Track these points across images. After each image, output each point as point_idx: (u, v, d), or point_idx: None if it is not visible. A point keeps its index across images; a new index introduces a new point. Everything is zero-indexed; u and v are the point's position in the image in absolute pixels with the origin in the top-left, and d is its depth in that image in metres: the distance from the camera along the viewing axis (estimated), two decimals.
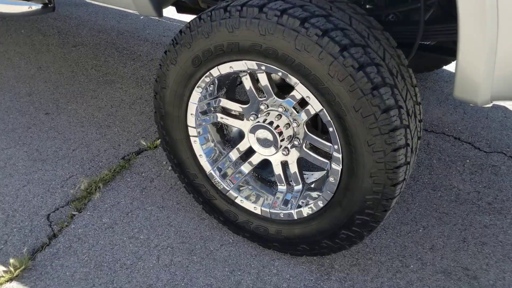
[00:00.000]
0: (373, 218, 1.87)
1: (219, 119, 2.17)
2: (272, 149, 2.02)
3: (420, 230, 2.41)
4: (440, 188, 2.67)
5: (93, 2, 2.47)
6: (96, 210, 2.46)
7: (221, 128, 2.28)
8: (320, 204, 1.98)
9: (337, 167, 1.86)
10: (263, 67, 1.85)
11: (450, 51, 2.31)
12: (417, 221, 2.46)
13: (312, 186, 2.16)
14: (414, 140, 1.82)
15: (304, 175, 2.20)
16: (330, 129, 1.81)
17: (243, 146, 2.18)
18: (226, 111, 2.18)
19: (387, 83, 1.69)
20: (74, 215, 2.42)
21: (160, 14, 2.28)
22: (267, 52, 1.77)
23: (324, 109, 1.77)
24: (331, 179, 1.90)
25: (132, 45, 4.19)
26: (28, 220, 2.39)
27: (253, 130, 2.02)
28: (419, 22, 1.95)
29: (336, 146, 1.83)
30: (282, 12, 1.71)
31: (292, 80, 1.80)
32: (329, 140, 1.91)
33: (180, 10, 2.81)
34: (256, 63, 1.85)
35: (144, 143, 2.92)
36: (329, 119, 1.78)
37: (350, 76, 1.65)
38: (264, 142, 2.04)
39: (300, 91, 1.81)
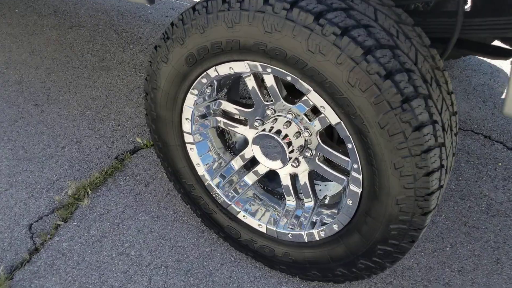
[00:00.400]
0: (398, 249, 1.59)
1: (219, 124, 1.89)
2: (279, 163, 1.74)
3: (447, 248, 2.13)
4: (469, 196, 2.37)
5: None
6: (83, 219, 2.20)
7: (222, 133, 2.00)
8: (335, 227, 1.70)
9: (356, 189, 1.57)
10: (268, 70, 1.55)
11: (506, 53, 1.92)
12: (443, 236, 2.18)
13: (326, 202, 1.88)
14: (449, 159, 1.52)
15: (316, 186, 1.92)
16: (349, 146, 1.51)
17: (247, 153, 1.90)
18: (227, 115, 1.89)
19: (420, 94, 1.38)
20: (59, 225, 2.18)
21: (151, 0, 1.97)
22: (274, 53, 1.47)
23: (342, 122, 1.48)
24: (348, 201, 1.62)
25: (133, 26, 3.88)
26: (8, 231, 2.15)
27: (258, 140, 1.74)
28: (456, 13, 1.63)
29: (355, 165, 1.53)
30: (292, 5, 1.40)
31: (304, 86, 1.50)
32: (346, 154, 1.62)
33: None
34: (261, 65, 1.55)
35: (140, 141, 2.64)
36: (348, 134, 1.48)
37: (375, 86, 1.35)
38: (270, 154, 1.75)
39: (313, 99, 1.51)
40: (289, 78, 1.52)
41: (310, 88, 1.48)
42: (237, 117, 1.87)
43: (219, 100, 1.85)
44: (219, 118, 1.88)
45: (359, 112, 1.40)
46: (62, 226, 2.17)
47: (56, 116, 2.85)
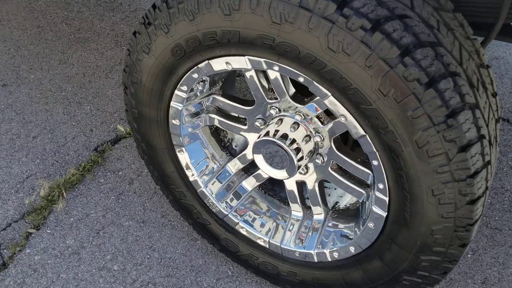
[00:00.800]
0: (427, 281, 1.34)
1: (213, 123, 1.60)
2: (285, 173, 1.47)
3: (469, 256, 1.90)
4: (490, 192, 2.13)
5: None
6: (58, 226, 1.93)
7: (216, 131, 1.71)
8: (352, 250, 1.45)
9: (380, 212, 1.31)
10: (275, 68, 1.25)
11: None
12: None
13: (340, 212, 1.62)
14: (492, 178, 1.25)
15: (326, 189, 1.66)
16: (374, 162, 1.24)
17: (246, 155, 1.62)
18: (223, 112, 1.60)
19: (467, 104, 1.10)
20: (31, 234, 1.90)
21: None
22: (283, 49, 1.17)
23: (367, 136, 1.20)
24: (370, 224, 1.36)
25: None
26: None
27: (260, 146, 1.45)
28: None
29: (380, 185, 1.27)
30: None
31: (320, 90, 1.20)
32: (366, 165, 1.35)
33: None
34: (265, 62, 1.25)
35: (122, 129, 2.34)
36: (375, 150, 1.21)
37: (413, 96, 1.06)
38: (274, 162, 1.47)
39: (332, 106, 1.22)
40: (301, 79, 1.22)
41: (329, 93, 1.19)
42: (235, 114, 1.58)
43: (213, 96, 1.56)
44: (213, 116, 1.59)
45: (391, 127, 1.12)
46: (34, 235, 1.90)
47: (26, 99, 2.52)
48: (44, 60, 2.79)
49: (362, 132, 1.20)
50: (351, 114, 1.18)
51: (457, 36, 1.18)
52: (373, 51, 1.06)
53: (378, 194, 1.29)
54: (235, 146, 1.79)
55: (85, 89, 2.60)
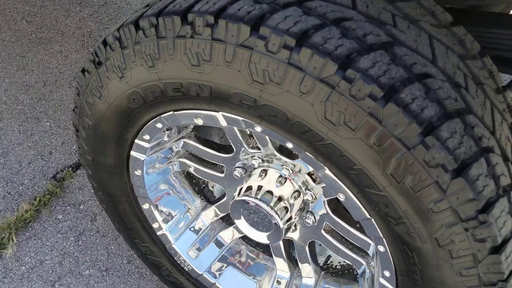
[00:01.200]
0: None
1: (187, 169, 1.34)
2: (271, 237, 1.22)
3: None
4: None
5: None
6: (7, 277, 1.67)
7: (189, 174, 1.45)
8: None
9: None
10: (257, 129, 0.99)
11: None
12: None
13: (334, 271, 1.39)
14: None
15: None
16: (380, 248, 0.99)
17: (224, 205, 1.37)
18: (195, 156, 1.34)
19: (502, 188, 0.86)
20: None
21: None
22: (267, 112, 0.91)
23: (373, 220, 0.95)
24: None
25: None
26: None
27: (238, 205, 1.20)
28: None
29: (386, 273, 1.03)
30: (299, 40, 0.82)
31: (314, 162, 0.95)
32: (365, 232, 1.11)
33: None
34: (244, 122, 0.99)
35: None
36: (381, 236, 0.96)
37: (437, 185, 0.81)
38: (256, 224, 1.23)
39: (328, 181, 0.96)
40: (289, 145, 0.97)
41: (325, 167, 0.93)
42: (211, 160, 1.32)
43: (184, 140, 1.29)
44: (184, 161, 1.33)
45: (406, 219, 0.87)
46: None
47: None
48: (0, 65, 2.48)
49: (366, 215, 0.95)
50: (353, 194, 0.93)
51: (487, 93, 0.93)
52: (385, 127, 0.80)
53: (383, 281, 1.05)
54: (212, 187, 1.54)
55: (45, 101, 2.31)
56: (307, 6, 0.88)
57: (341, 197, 0.97)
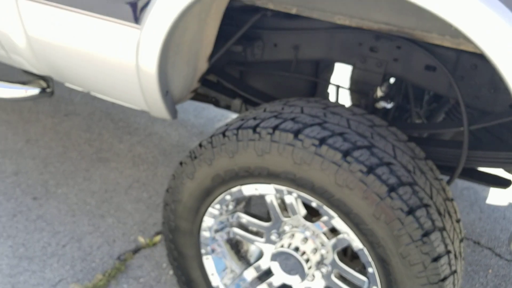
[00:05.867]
0: None
1: (236, 236, 1.96)
2: (298, 278, 1.81)
3: None
4: None
5: (101, 97, 2.27)
6: None
7: (235, 244, 2.07)
8: None
9: None
10: (294, 194, 1.67)
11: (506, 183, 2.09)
12: None
13: None
14: (458, 284, 1.63)
15: None
16: (370, 270, 1.61)
17: (262, 264, 1.96)
18: (243, 226, 1.97)
19: (437, 227, 1.51)
20: None
21: (174, 116, 2.09)
22: (301, 182, 1.59)
23: (365, 249, 1.58)
24: None
25: (129, 115, 3.99)
26: None
27: (276, 256, 1.81)
28: (460, 144, 1.80)
29: None
30: (321, 142, 1.54)
31: (328, 213, 1.61)
32: (362, 273, 1.71)
33: (193, 97, 2.63)
34: (287, 190, 1.67)
35: (142, 240, 2.67)
36: (370, 260, 1.58)
37: (398, 220, 1.47)
38: (288, 269, 1.82)
39: (337, 225, 1.62)
40: (314, 204, 1.63)
41: (335, 215, 1.59)
42: (254, 229, 1.95)
43: (238, 213, 1.94)
44: (236, 230, 1.95)
45: (383, 243, 1.51)
46: None
47: (55, 211, 2.86)
48: (69, 176, 3.17)
49: (361, 246, 1.58)
50: (353, 231, 1.58)
51: (428, 178, 1.62)
52: (368, 187, 1.49)
53: None
54: (250, 257, 2.14)
55: (107, 203, 2.96)
56: (323, 126, 1.62)
57: (346, 236, 1.61)
